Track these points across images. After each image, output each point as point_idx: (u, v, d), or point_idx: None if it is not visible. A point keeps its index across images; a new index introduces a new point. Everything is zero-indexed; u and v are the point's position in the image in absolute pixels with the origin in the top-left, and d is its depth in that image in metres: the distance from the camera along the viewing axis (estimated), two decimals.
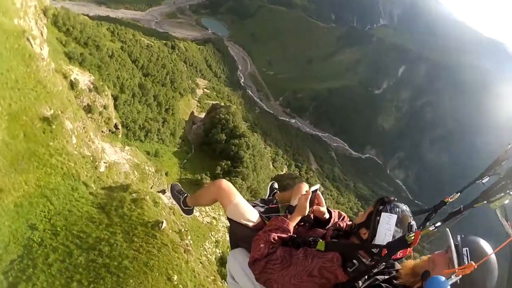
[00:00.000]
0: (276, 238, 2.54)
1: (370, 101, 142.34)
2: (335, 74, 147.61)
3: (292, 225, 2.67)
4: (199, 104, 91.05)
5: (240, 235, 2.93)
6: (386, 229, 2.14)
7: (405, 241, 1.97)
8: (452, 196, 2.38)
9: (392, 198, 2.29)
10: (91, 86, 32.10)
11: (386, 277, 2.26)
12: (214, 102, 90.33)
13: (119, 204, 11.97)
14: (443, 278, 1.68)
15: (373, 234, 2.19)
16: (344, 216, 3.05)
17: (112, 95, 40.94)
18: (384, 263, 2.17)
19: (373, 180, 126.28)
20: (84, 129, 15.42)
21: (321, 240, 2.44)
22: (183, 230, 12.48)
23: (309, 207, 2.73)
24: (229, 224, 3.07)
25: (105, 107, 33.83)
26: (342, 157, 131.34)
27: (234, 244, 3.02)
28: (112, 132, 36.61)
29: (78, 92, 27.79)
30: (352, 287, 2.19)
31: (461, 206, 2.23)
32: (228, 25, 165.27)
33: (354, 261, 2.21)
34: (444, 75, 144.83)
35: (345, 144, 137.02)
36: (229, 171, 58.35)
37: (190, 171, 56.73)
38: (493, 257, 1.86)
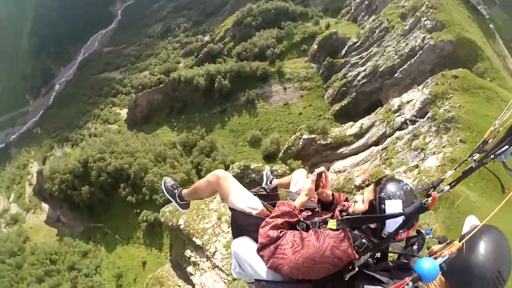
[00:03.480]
0: (284, 222, 2.45)
1: None
2: None
3: (298, 209, 2.60)
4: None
5: (244, 224, 2.80)
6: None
7: (422, 205, 1.94)
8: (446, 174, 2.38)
9: (388, 178, 2.17)
10: None
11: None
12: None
13: None
14: (431, 259, 1.68)
15: (382, 225, 2.10)
16: (345, 197, 2.91)
17: None
18: (391, 240, 2.09)
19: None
20: None
21: (331, 220, 2.36)
22: None
23: (315, 190, 2.71)
24: (231, 215, 2.95)
25: None
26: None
27: (237, 234, 2.86)
28: None
29: None
30: (365, 265, 2.10)
31: (472, 165, 2.23)
32: None
33: (364, 240, 2.15)
34: None
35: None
36: (133, 185, 49.18)
37: (126, 232, 47.59)
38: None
